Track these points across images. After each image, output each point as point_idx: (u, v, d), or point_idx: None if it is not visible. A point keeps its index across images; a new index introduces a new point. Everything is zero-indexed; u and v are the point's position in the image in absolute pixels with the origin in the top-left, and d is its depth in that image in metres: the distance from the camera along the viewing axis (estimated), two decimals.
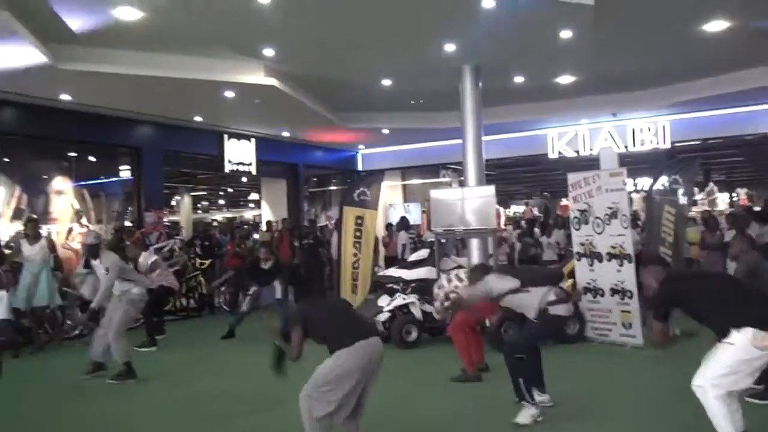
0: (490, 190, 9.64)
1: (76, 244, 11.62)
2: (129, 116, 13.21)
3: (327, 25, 8.98)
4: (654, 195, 9.98)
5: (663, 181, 10.15)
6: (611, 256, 8.32)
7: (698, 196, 19.36)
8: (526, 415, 5.07)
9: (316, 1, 8.13)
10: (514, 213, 29.13)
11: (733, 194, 25.24)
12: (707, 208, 18.09)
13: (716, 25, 9.79)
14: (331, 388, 3.94)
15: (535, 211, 25.04)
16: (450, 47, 9.81)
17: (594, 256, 8.53)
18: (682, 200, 10.17)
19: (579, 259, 8.71)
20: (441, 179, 20.37)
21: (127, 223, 13.86)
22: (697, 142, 16.44)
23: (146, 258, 9.65)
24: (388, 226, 15.24)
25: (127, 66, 10.09)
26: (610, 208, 8.34)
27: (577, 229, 8.78)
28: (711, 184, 20.93)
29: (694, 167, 11.10)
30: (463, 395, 6.06)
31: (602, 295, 8.40)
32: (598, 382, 6.41)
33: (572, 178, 8.98)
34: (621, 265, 8.24)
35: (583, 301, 8.49)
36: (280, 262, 10.00)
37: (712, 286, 4.29)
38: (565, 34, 9.17)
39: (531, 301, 5.25)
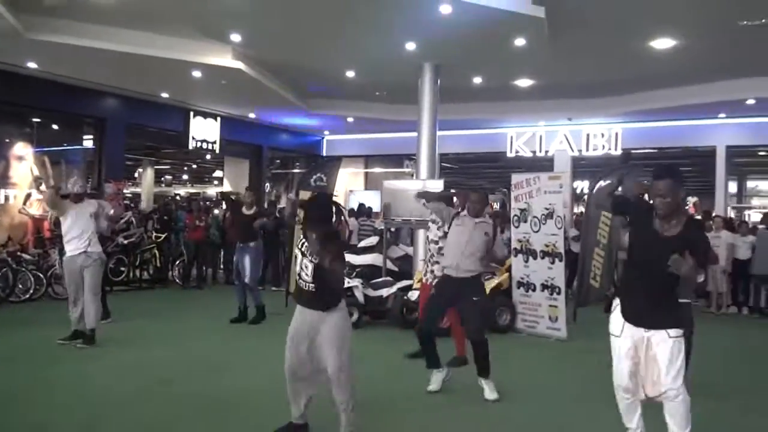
0: (440, 183, 10.10)
1: (34, 210, 11.79)
2: (95, 87, 13.35)
3: (293, 15, 9.31)
4: (592, 199, 10.51)
5: (602, 185, 10.69)
6: (544, 254, 8.88)
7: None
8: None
9: None
10: None
11: (689, 202, 26.22)
12: None
13: (663, 43, 10.38)
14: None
15: (496, 206, 25.64)
16: (411, 45, 10.23)
17: (529, 252, 9.07)
18: None
19: (516, 255, 9.25)
20: (404, 169, 20.81)
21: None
22: (653, 150, 17.16)
23: None
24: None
25: (96, 40, 10.27)
26: (547, 209, 8.88)
27: (517, 227, 9.30)
28: None
29: (634, 175, 11.67)
30: (403, 372, 6.50)
31: (533, 290, 8.95)
32: (524, 369, 6.90)
33: (515, 178, 9.49)
34: (552, 263, 8.80)
35: (516, 295, 9.08)
36: (263, 210, 9.81)
37: None
38: (519, 42, 9.66)
39: None
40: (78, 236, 7.27)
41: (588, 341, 8.37)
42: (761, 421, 5.37)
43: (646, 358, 3.78)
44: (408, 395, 5.70)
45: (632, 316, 3.83)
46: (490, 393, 5.54)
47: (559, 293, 8.70)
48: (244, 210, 9.25)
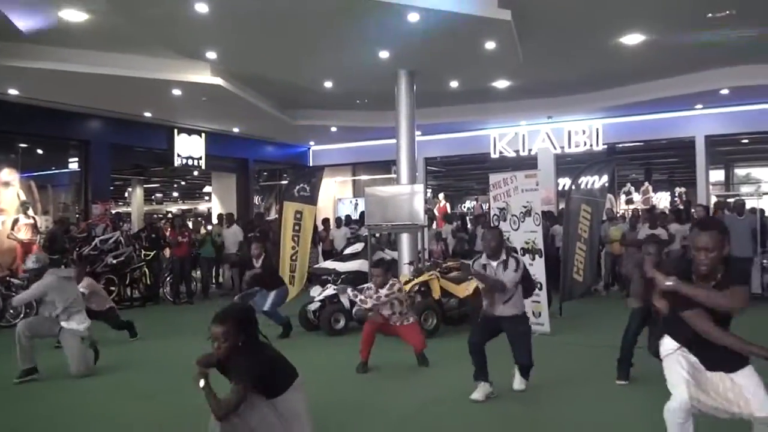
0: (420, 188, 10.27)
1: (22, 235, 11.89)
2: (77, 110, 13.53)
3: (265, 30, 9.48)
4: (573, 194, 10.69)
5: (582, 181, 10.90)
6: (525, 251, 9.02)
7: (635, 195, 20.31)
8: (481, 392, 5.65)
9: (254, 8, 8.61)
10: (467, 209, 29.95)
11: (675, 193, 26.45)
12: (643, 206, 19.03)
13: (632, 39, 10.59)
14: None
15: (485, 207, 25.83)
16: (384, 54, 10.40)
17: (511, 250, 9.20)
18: (600, 199, 10.95)
19: None
20: (391, 175, 20.96)
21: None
22: (640, 143, 17.36)
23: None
24: (325, 221, 15.69)
25: (74, 64, 10.48)
26: (525, 206, 9.02)
27: (497, 226, 9.44)
28: (646, 184, 21.92)
29: (611, 169, 11.88)
30: (384, 377, 6.61)
31: None
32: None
33: (493, 178, 9.63)
34: (533, 259, 8.94)
35: None
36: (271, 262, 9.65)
37: None
38: (489, 45, 9.84)
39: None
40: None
41: (571, 335, 8.55)
42: None
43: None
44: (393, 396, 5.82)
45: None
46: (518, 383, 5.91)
47: (540, 289, 8.82)
48: (255, 263, 9.20)
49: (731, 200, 15.81)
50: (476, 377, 5.72)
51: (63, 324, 6.79)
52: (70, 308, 6.82)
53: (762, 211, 12.86)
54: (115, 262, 12.00)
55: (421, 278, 8.96)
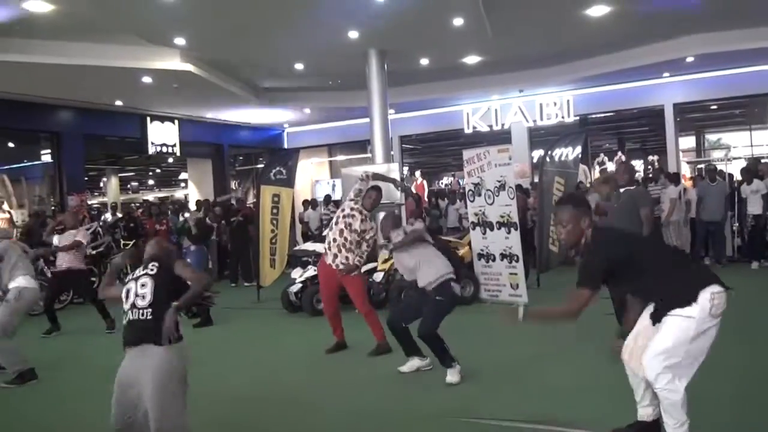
0: (395, 166, 10.38)
1: None
2: (48, 102, 13.39)
3: (232, 14, 9.45)
4: (546, 166, 10.85)
5: (555, 153, 11.06)
6: (500, 225, 9.18)
7: (609, 165, 20.60)
8: (454, 374, 5.33)
9: None
10: (444, 185, 30.13)
11: (648, 161, 26.86)
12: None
13: (598, 10, 10.69)
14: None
15: (461, 182, 26.01)
16: (353, 34, 10.43)
17: (486, 225, 9.38)
18: (573, 171, 11.15)
19: (473, 228, 9.56)
20: (368, 155, 20.99)
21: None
22: (611, 114, 17.58)
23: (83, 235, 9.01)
24: (305, 202, 15.73)
25: (41, 55, 10.36)
26: (499, 181, 9.17)
27: (472, 201, 9.60)
28: (619, 153, 22.22)
29: (583, 140, 12.08)
30: (369, 355, 6.64)
31: (493, 260, 9.27)
32: (492, 336, 7.06)
33: (467, 154, 9.75)
34: (509, 232, 9.11)
35: (477, 267, 9.41)
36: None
37: (653, 245, 4.02)
38: (458, 21, 9.92)
39: (433, 269, 5.49)
40: None
41: (549, 304, 8.74)
42: None
43: None
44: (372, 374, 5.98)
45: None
46: (450, 376, 5.37)
47: (517, 261, 9.02)
48: None
49: (701, 166, 16.17)
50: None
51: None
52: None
53: (731, 176, 13.18)
54: (94, 252, 11.98)
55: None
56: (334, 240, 6.60)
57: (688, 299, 3.30)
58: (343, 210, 6.81)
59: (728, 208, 11.95)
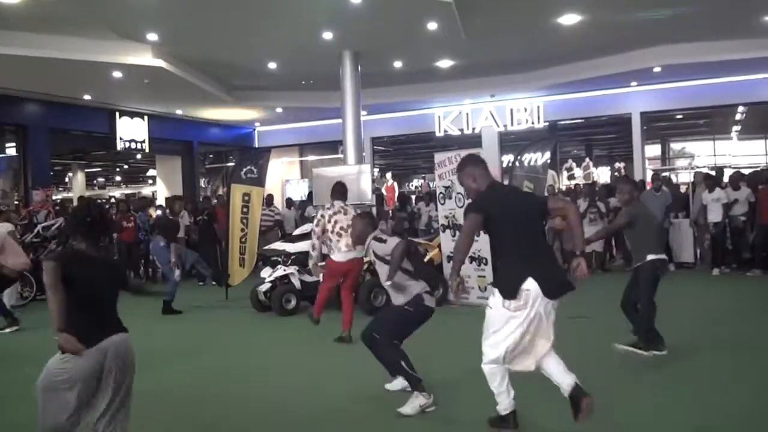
0: (367, 168, 10.42)
1: None
2: (13, 94, 13.13)
3: (206, 11, 9.41)
4: (516, 171, 11.00)
5: (525, 158, 11.21)
6: None
7: (576, 171, 20.92)
8: (414, 405, 4.66)
9: None
10: (415, 187, 30.25)
11: (615, 168, 27.33)
12: (585, 182, 19.63)
13: (569, 19, 10.89)
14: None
15: (432, 185, 26.14)
16: (328, 35, 10.45)
17: (456, 227, 9.46)
18: (542, 176, 11.30)
19: (443, 231, 9.63)
20: (339, 155, 21.00)
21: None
22: (580, 120, 17.86)
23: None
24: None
25: (8, 47, 10.16)
26: None
27: (443, 204, 9.68)
28: (587, 160, 22.58)
29: (552, 146, 12.26)
30: (339, 354, 6.71)
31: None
32: (459, 336, 7.12)
33: (438, 157, 9.84)
34: (478, 235, 9.17)
35: (447, 269, 9.48)
36: None
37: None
38: (432, 26, 10.00)
39: (407, 292, 5.04)
40: None
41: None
42: None
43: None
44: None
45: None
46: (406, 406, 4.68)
47: (486, 264, 9.11)
48: None
49: (666, 174, 16.50)
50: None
51: None
52: None
53: (677, 186, 13.43)
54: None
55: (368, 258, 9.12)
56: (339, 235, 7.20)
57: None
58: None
59: (668, 217, 12.13)
